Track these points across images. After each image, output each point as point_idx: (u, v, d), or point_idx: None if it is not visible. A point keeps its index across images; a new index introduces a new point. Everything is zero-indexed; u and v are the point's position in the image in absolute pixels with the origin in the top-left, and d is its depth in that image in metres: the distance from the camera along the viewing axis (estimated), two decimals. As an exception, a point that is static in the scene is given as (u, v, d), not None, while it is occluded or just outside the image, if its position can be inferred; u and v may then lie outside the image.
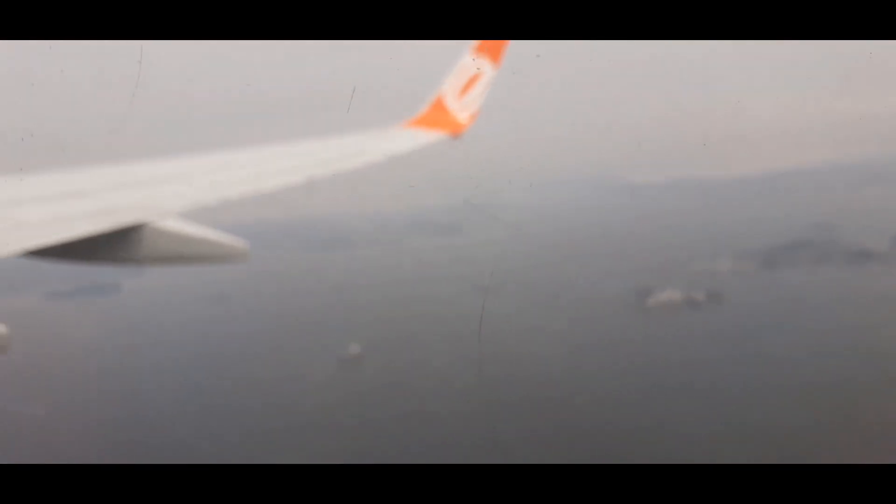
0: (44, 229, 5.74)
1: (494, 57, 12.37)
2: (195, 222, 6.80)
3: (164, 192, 7.43)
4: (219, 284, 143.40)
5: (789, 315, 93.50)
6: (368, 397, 79.78)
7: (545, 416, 73.64)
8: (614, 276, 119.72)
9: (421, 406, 77.37)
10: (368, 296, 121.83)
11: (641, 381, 79.31)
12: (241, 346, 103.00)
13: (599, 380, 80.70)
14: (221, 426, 74.65)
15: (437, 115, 12.48)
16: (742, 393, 73.81)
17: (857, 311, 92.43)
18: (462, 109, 12.61)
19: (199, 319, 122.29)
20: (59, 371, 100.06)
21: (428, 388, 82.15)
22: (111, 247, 6.24)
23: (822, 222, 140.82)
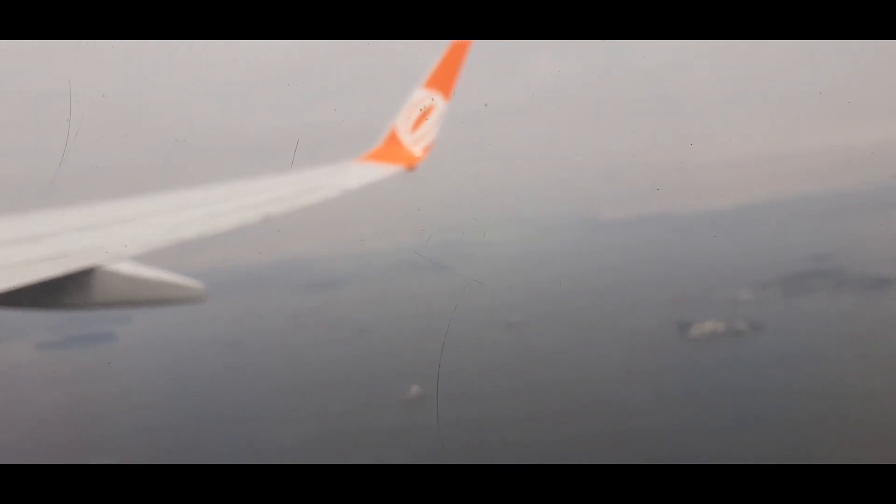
0: None
1: (445, 91, 12.57)
2: (151, 265, 6.76)
3: (116, 234, 7.26)
4: (217, 327, 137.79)
5: (839, 341, 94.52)
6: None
7: (620, 446, 72.13)
8: (640, 311, 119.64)
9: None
10: (394, 335, 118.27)
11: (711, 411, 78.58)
12: (278, 396, 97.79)
13: (670, 411, 79.72)
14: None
15: (392, 149, 12.62)
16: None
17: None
18: (415, 143, 12.75)
19: (218, 369, 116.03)
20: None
21: (492, 424, 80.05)
22: (63, 292, 6.12)
23: (818, 253, 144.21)
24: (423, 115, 12.67)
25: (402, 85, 13.10)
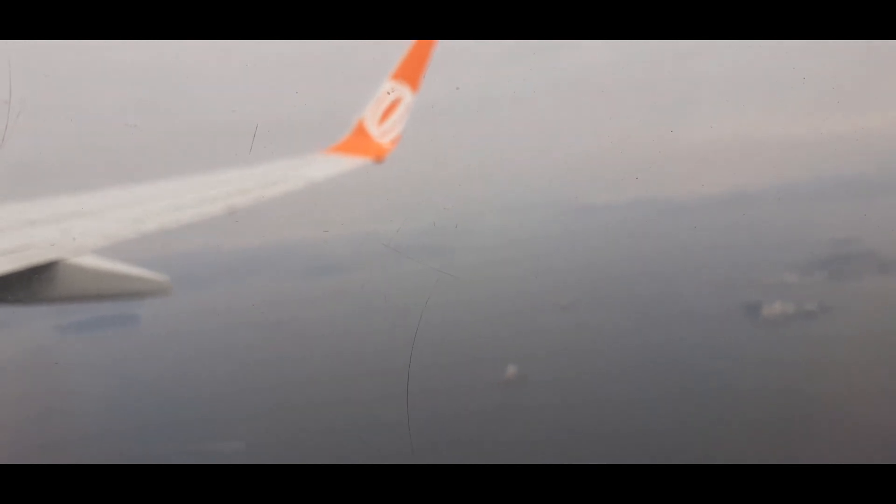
0: None
1: (413, 83, 12.64)
2: (114, 258, 6.67)
3: (78, 227, 7.10)
4: (244, 311, 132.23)
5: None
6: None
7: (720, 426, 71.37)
8: (694, 292, 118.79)
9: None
10: (446, 318, 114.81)
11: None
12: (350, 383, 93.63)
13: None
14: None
15: (359, 141, 12.70)
16: None
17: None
18: (383, 135, 12.83)
19: (259, 351, 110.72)
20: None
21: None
22: (23, 287, 5.97)
23: (839, 238, 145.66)
24: (391, 108, 12.58)
25: (371, 77, 13.07)
